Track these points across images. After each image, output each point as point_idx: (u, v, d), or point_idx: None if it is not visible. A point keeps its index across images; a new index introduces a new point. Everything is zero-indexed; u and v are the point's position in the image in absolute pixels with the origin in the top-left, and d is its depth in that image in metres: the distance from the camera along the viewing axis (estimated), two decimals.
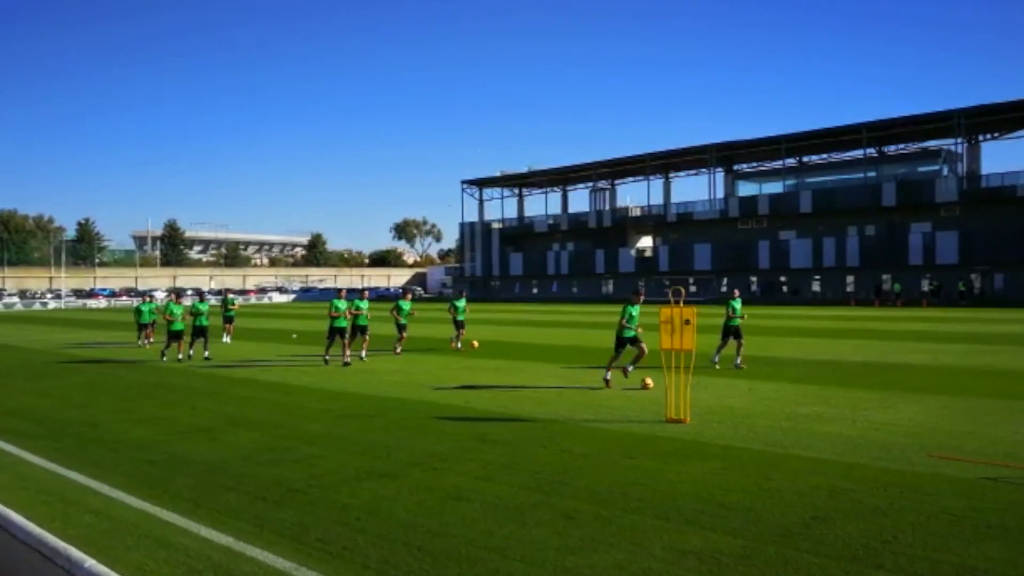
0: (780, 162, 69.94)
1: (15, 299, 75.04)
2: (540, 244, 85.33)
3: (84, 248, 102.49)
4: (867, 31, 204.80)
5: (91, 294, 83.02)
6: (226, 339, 24.44)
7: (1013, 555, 5.11)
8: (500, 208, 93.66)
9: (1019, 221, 54.30)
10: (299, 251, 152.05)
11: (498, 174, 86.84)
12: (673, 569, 4.95)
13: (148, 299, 26.53)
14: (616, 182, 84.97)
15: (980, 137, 62.06)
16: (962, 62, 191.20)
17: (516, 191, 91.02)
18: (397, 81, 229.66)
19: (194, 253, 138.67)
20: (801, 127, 70.03)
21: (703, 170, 74.18)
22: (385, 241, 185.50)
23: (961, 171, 59.96)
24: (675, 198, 77.85)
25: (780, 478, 7.16)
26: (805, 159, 72.38)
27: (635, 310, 13.81)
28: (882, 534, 5.55)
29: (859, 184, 63.98)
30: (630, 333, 13.65)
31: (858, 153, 65.53)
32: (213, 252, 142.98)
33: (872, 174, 64.96)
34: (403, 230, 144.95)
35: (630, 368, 13.87)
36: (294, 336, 27.86)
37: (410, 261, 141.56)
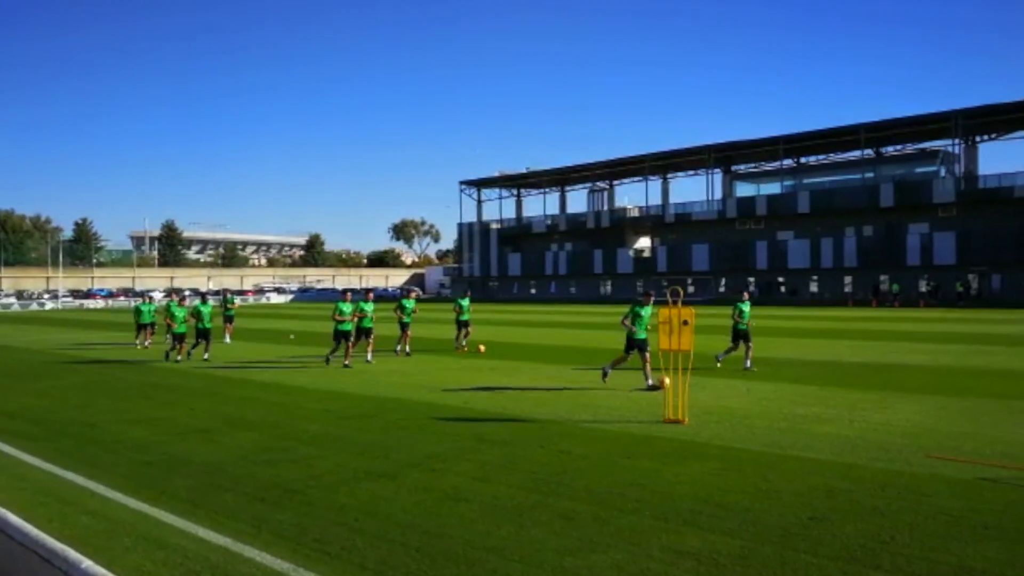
0: (778, 163, 70.00)
1: (12, 299, 74.89)
2: (538, 244, 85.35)
3: (81, 248, 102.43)
4: (866, 31, 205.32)
5: (88, 294, 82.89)
6: (227, 339, 24.44)
7: (1011, 555, 5.11)
8: (498, 209, 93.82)
9: (1016, 222, 54.40)
10: (297, 251, 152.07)
11: (496, 174, 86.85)
12: (671, 570, 4.95)
13: (148, 299, 26.51)
14: (614, 183, 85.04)
15: (978, 138, 62.14)
16: (962, 62, 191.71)
17: (514, 192, 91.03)
18: (395, 81, 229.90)
19: (192, 253, 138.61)
20: (799, 128, 70.12)
21: (701, 171, 74.26)
22: (383, 242, 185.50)
23: (959, 172, 60.05)
24: (673, 199, 78.02)
25: (778, 479, 7.16)
26: (803, 160, 72.48)
27: (645, 311, 13.38)
28: (880, 535, 5.55)
29: (857, 185, 64.05)
30: (641, 335, 13.26)
31: (856, 154, 65.63)
32: (211, 252, 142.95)
33: (870, 175, 65.04)
34: (401, 231, 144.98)
35: (608, 370, 13.76)
36: (292, 337, 27.85)
37: (408, 262, 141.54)
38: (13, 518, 3.87)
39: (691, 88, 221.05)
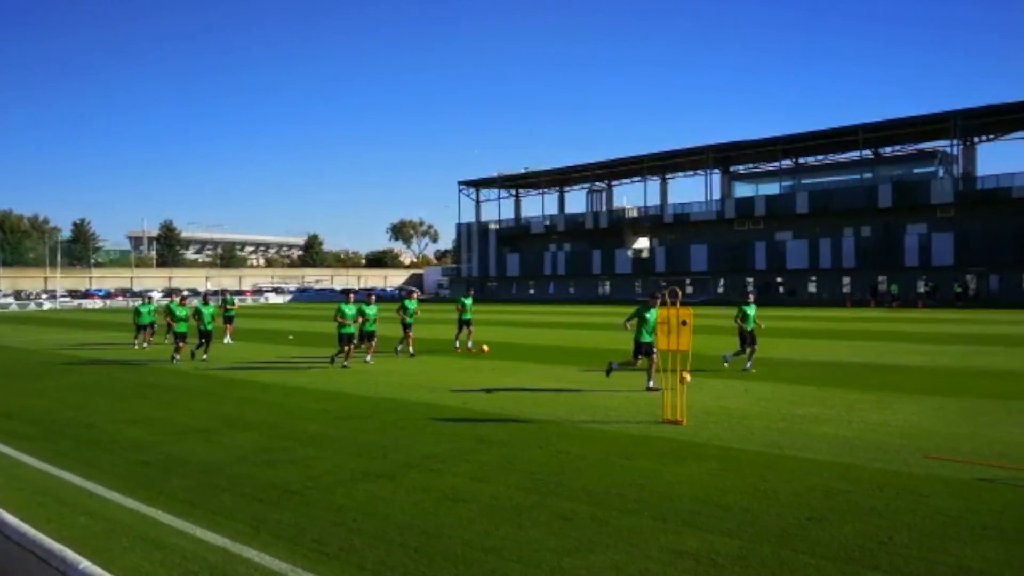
0: (776, 163, 70.07)
1: (10, 299, 74.82)
2: (537, 245, 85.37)
3: (79, 248, 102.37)
4: (865, 31, 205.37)
5: (86, 295, 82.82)
6: (227, 340, 24.45)
7: (1008, 556, 5.12)
8: (497, 209, 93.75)
9: (1014, 222, 54.48)
10: (295, 252, 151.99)
11: (495, 175, 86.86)
12: (670, 570, 4.95)
13: (147, 300, 26.49)
14: (613, 183, 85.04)
15: (976, 139, 62.24)
16: (962, 62, 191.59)
17: (513, 192, 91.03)
18: (394, 82, 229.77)
19: (190, 254, 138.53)
20: (798, 128, 70.13)
21: (700, 171, 74.34)
22: (382, 242, 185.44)
23: (957, 172, 60.15)
24: (672, 199, 78.08)
25: (776, 479, 7.17)
26: (801, 160, 72.54)
27: (651, 315, 12.55)
28: (878, 535, 5.56)
29: (855, 185, 64.12)
30: (647, 338, 12.81)
31: (854, 154, 65.70)
32: (209, 253, 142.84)
33: (868, 175, 65.11)
34: (400, 231, 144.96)
35: (615, 365, 13.66)
36: (290, 337, 27.83)
37: (407, 262, 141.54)
38: (11, 518, 3.86)
39: (690, 88, 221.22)
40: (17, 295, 79.82)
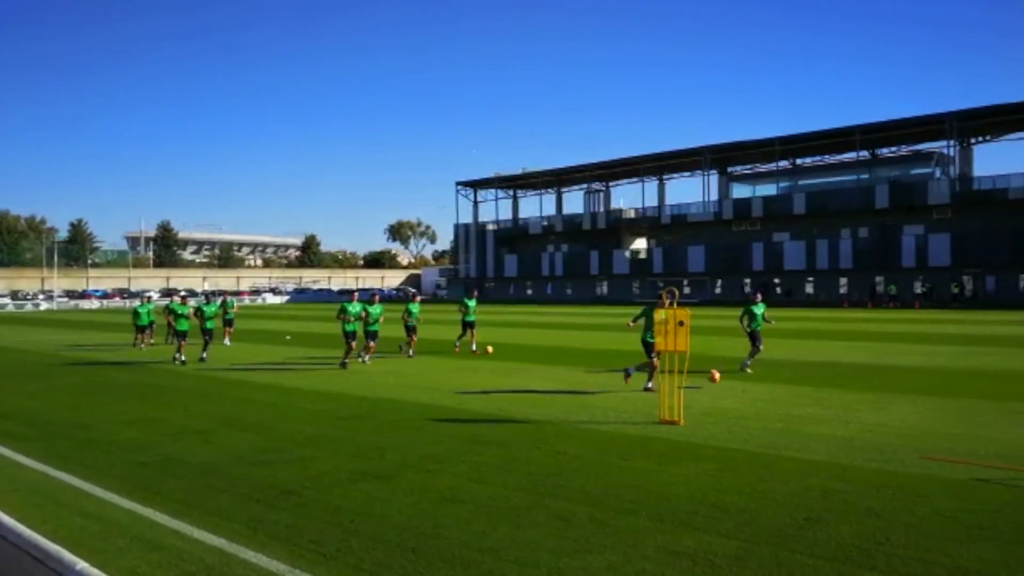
0: (774, 164, 70.19)
1: (7, 300, 74.68)
2: (534, 246, 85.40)
3: (76, 249, 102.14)
4: (864, 32, 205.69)
5: (83, 295, 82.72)
6: (226, 341, 24.41)
7: (1005, 556, 5.13)
8: (495, 210, 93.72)
9: (1011, 223, 54.60)
10: (293, 252, 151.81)
11: (493, 176, 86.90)
12: (667, 571, 4.95)
13: (146, 300, 26.42)
14: (610, 184, 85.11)
15: (972, 140, 62.41)
16: (962, 62, 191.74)
17: (511, 193, 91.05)
18: (392, 82, 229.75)
19: (187, 254, 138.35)
20: (795, 129, 70.34)
21: (697, 172, 74.44)
22: (379, 242, 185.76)
23: (953, 173, 60.28)
24: (669, 200, 78.23)
25: (774, 479, 7.17)
26: (799, 161, 72.68)
27: (662, 315, 12.69)
28: (875, 535, 5.56)
29: (852, 186, 64.25)
30: (655, 339, 12.34)
31: (851, 155, 65.84)
32: (206, 253, 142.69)
33: (865, 176, 65.27)
34: (397, 231, 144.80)
35: (632, 371, 13.56)
36: (288, 338, 27.80)
37: (404, 262, 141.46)
38: (7, 519, 3.85)
39: (687, 89, 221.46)
40: (14, 295, 79.69)
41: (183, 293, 39.62)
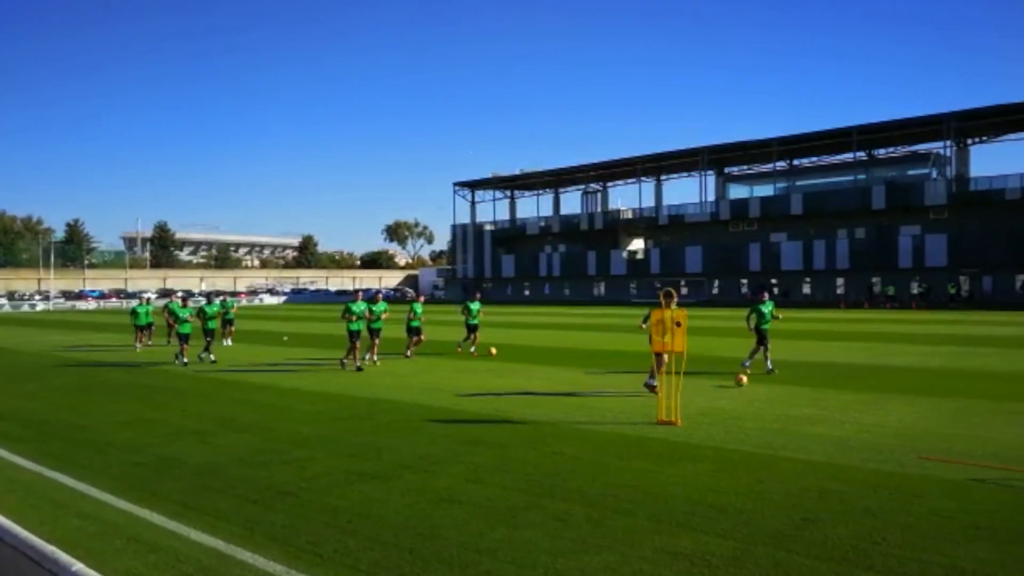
0: (771, 165, 70.25)
1: (3, 301, 74.55)
2: (532, 246, 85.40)
3: (73, 249, 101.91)
4: (860, 32, 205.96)
5: (80, 296, 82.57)
6: (228, 342, 24.39)
7: (1001, 556, 5.14)
8: (492, 210, 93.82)
9: (1007, 224, 54.72)
10: (290, 253, 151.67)
11: (490, 176, 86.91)
12: (664, 571, 4.95)
13: (145, 301, 26.35)
14: (608, 184, 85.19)
15: (969, 141, 62.52)
16: (961, 63, 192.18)
17: (508, 193, 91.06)
18: (389, 83, 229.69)
19: (184, 255, 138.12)
20: (792, 130, 70.47)
21: (694, 172, 74.50)
22: (377, 243, 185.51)
23: (950, 174, 60.41)
24: (666, 200, 78.30)
25: (771, 480, 7.18)
26: (796, 162, 72.79)
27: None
28: (872, 535, 5.57)
29: (849, 187, 64.35)
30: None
31: (848, 156, 65.96)
32: (203, 254, 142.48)
33: (862, 177, 65.37)
34: (395, 232, 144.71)
35: (653, 381, 13.24)
36: (285, 338, 27.78)
37: (402, 263, 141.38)
38: (3, 520, 3.84)
39: (684, 89, 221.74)
40: (10, 296, 79.54)
41: (180, 294, 39.53)
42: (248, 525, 5.99)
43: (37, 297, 79.72)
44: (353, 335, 17.07)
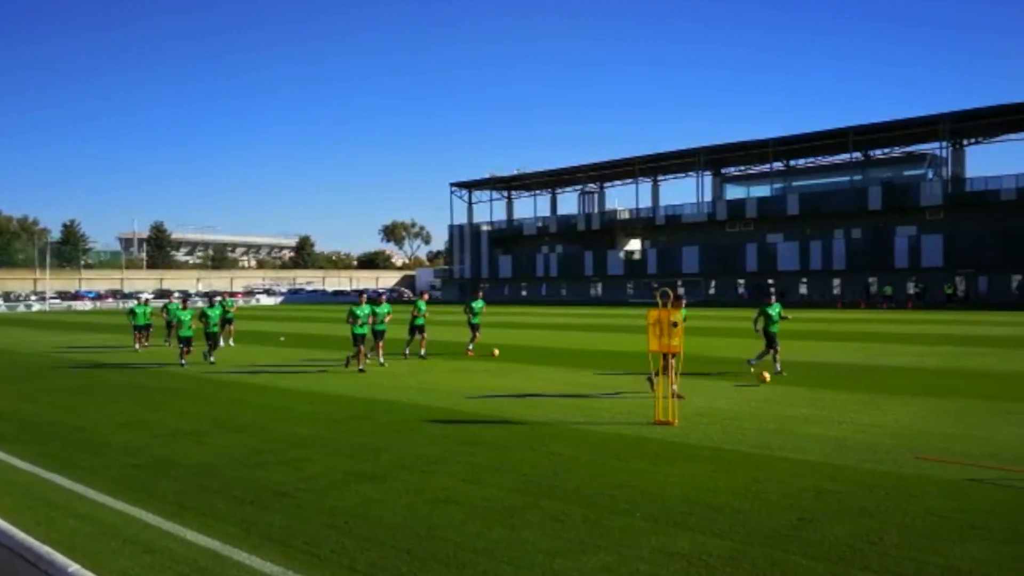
0: (768, 165, 70.37)
1: None
2: (529, 246, 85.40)
3: (69, 250, 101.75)
4: (858, 32, 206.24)
5: (76, 296, 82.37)
6: (230, 342, 24.34)
7: (997, 556, 5.15)
8: (489, 211, 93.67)
9: (1003, 225, 54.86)
10: (287, 253, 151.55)
11: (487, 176, 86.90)
12: (661, 571, 4.96)
13: (144, 301, 26.27)
14: (605, 185, 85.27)
15: (965, 141, 62.68)
16: (961, 63, 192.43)
17: (505, 194, 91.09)
18: (386, 83, 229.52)
19: (181, 255, 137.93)
20: (788, 130, 70.61)
21: (691, 173, 74.63)
22: (374, 243, 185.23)
23: (946, 175, 60.53)
24: (663, 201, 78.41)
25: (768, 480, 7.19)
26: (792, 163, 72.88)
27: (677, 317, 12.33)
28: (868, 535, 5.58)
29: (845, 187, 64.49)
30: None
31: (844, 157, 66.06)
32: (200, 254, 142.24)
33: (858, 178, 65.50)
34: (391, 232, 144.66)
35: (676, 390, 13.09)
36: (282, 339, 27.75)
37: (399, 263, 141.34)
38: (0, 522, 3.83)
39: (683, 89, 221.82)
40: (6, 297, 79.31)
41: (178, 295, 39.47)
42: (245, 526, 5.98)
43: (33, 298, 79.53)
44: (357, 339, 17.02)
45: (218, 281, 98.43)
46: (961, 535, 5.56)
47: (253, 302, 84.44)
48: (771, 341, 15.45)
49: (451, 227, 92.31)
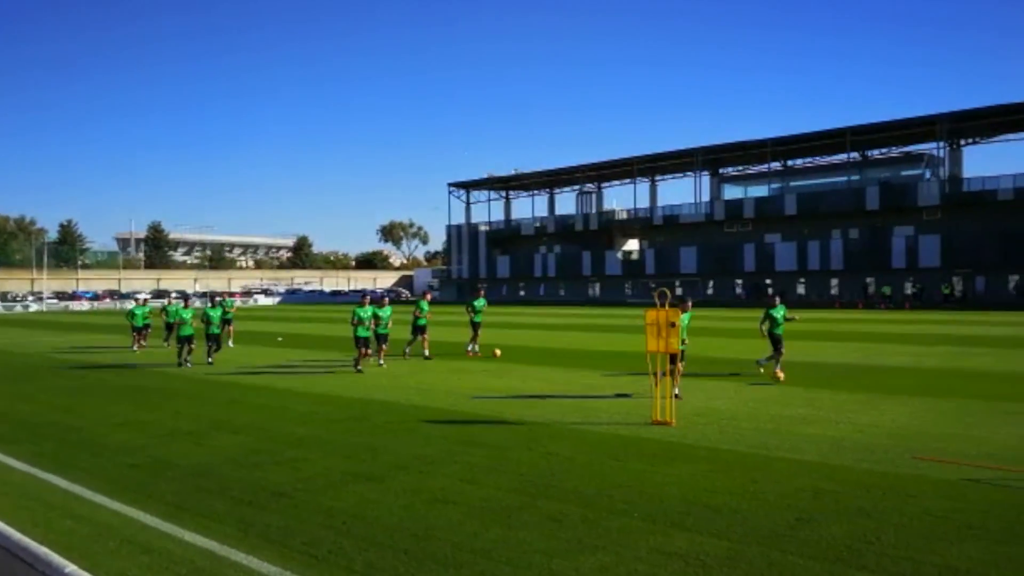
0: (765, 165, 70.44)
1: None
2: (527, 246, 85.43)
3: (66, 250, 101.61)
4: (857, 32, 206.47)
5: (73, 296, 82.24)
6: (229, 343, 24.31)
7: (994, 556, 5.16)
8: (487, 211, 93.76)
9: (1000, 225, 54.95)
10: (284, 253, 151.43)
11: (485, 176, 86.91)
12: (659, 571, 4.96)
13: (142, 302, 26.21)
14: (603, 185, 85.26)
15: (962, 141, 62.78)
16: (961, 63, 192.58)
17: (503, 194, 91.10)
18: (384, 83, 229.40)
19: (178, 255, 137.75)
20: (786, 131, 70.69)
21: (689, 173, 74.63)
22: (371, 243, 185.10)
23: (943, 175, 60.63)
24: (661, 201, 78.46)
25: (765, 480, 7.19)
26: (790, 163, 72.96)
27: (682, 320, 11.82)
28: (866, 535, 5.59)
29: (843, 188, 64.56)
30: (680, 346, 11.87)
31: (842, 157, 66.14)
32: (197, 254, 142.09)
33: (856, 178, 65.59)
34: (389, 232, 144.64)
35: (677, 392, 12.96)
36: (279, 339, 27.73)
37: (396, 263, 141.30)
38: None
39: (682, 89, 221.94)
40: (3, 297, 79.15)
41: (176, 295, 39.43)
42: (242, 526, 5.98)
43: (30, 298, 79.37)
44: (359, 341, 16.99)
45: (216, 281, 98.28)
46: (958, 535, 5.57)
47: (251, 302, 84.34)
48: (777, 343, 15.36)
49: (449, 227, 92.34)
